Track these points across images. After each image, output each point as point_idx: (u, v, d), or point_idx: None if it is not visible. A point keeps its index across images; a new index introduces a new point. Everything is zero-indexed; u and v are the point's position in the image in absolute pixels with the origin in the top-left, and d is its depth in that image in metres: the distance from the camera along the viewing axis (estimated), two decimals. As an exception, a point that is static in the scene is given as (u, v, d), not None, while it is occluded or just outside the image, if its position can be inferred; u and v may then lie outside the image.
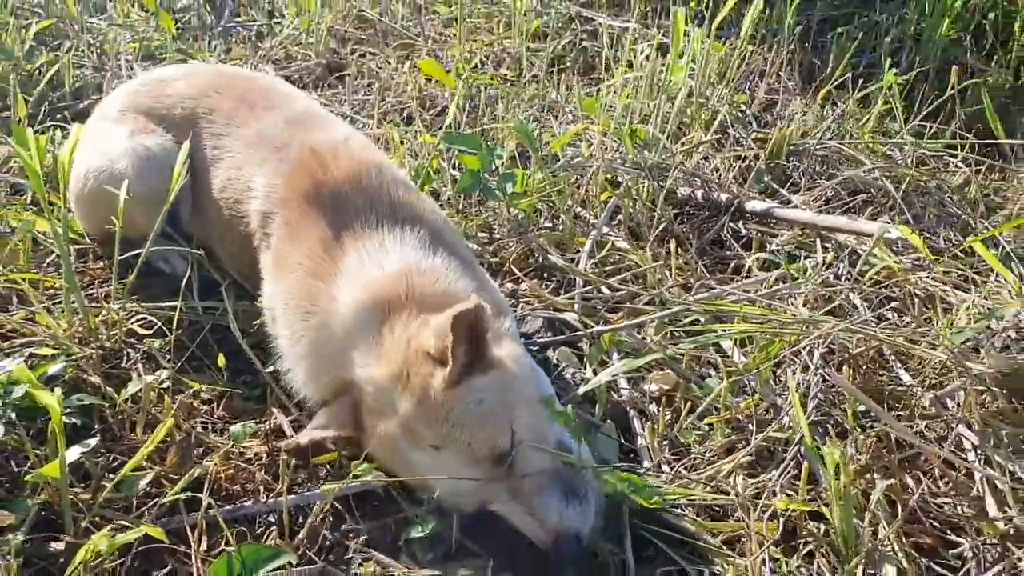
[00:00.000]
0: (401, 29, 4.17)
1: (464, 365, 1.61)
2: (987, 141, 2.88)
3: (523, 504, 1.61)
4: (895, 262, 2.33)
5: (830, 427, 1.92)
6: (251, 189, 2.09)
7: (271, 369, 1.95)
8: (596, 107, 2.88)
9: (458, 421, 1.59)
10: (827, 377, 1.92)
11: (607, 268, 2.51)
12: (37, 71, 3.32)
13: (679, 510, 1.79)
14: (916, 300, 2.29)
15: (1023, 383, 1.85)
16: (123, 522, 1.59)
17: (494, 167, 2.60)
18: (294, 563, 1.54)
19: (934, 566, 1.67)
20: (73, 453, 1.62)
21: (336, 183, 1.99)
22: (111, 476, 1.70)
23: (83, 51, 3.63)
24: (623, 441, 2.00)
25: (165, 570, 1.57)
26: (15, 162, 2.70)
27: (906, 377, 2.04)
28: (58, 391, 1.58)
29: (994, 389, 1.84)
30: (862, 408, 1.95)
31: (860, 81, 3.19)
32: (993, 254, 2.17)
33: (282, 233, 1.99)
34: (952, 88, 2.95)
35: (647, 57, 3.23)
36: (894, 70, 2.97)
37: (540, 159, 2.67)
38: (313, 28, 4.00)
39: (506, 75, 3.76)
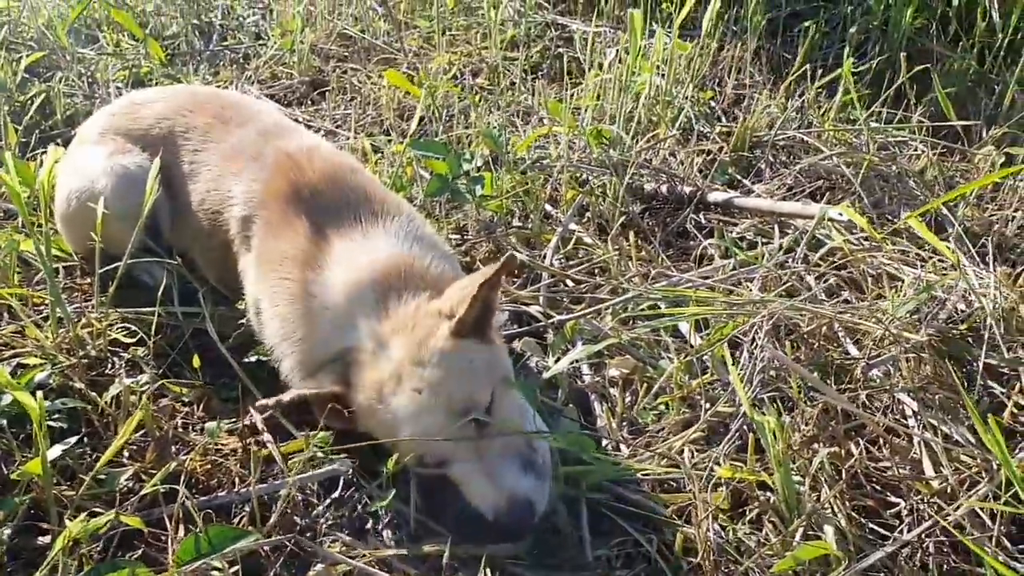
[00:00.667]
0: (383, 45, 4.29)
1: (475, 319, 1.74)
2: (941, 124, 2.97)
3: (483, 465, 1.70)
4: (846, 242, 2.41)
5: (779, 401, 2.00)
6: (230, 197, 2.21)
7: (249, 359, 2.06)
8: (562, 110, 2.98)
9: (447, 368, 1.72)
10: (776, 360, 2.00)
11: (572, 262, 2.60)
12: (29, 101, 3.46)
13: (634, 485, 1.88)
14: (869, 279, 2.37)
15: (958, 351, 1.93)
16: (99, 509, 1.69)
17: (464, 171, 2.70)
18: (260, 541, 1.64)
19: (873, 526, 1.75)
20: (55, 451, 1.73)
21: (312, 182, 2.11)
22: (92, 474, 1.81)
23: (74, 81, 3.77)
24: (584, 423, 2.09)
25: (139, 552, 1.67)
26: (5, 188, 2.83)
27: (854, 351, 2.12)
28: (40, 394, 1.70)
29: (924, 355, 1.91)
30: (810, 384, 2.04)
31: (820, 72, 3.28)
32: (941, 235, 2.25)
33: (263, 233, 2.10)
34: (904, 76, 3.03)
35: (617, 59, 3.32)
36: (852, 60, 3.06)
37: (507, 162, 2.77)
38: (296, 48, 4.12)
39: (483, 84, 3.87)
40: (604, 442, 2.01)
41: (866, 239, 2.55)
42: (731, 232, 2.71)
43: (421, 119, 3.54)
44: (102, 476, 1.82)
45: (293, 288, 1.98)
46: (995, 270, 2.22)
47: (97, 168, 2.36)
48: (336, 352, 1.87)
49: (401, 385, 1.73)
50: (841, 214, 2.40)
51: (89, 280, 2.51)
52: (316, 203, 2.08)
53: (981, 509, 1.67)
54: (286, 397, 1.80)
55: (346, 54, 4.30)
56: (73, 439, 1.80)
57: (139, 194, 2.23)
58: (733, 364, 1.91)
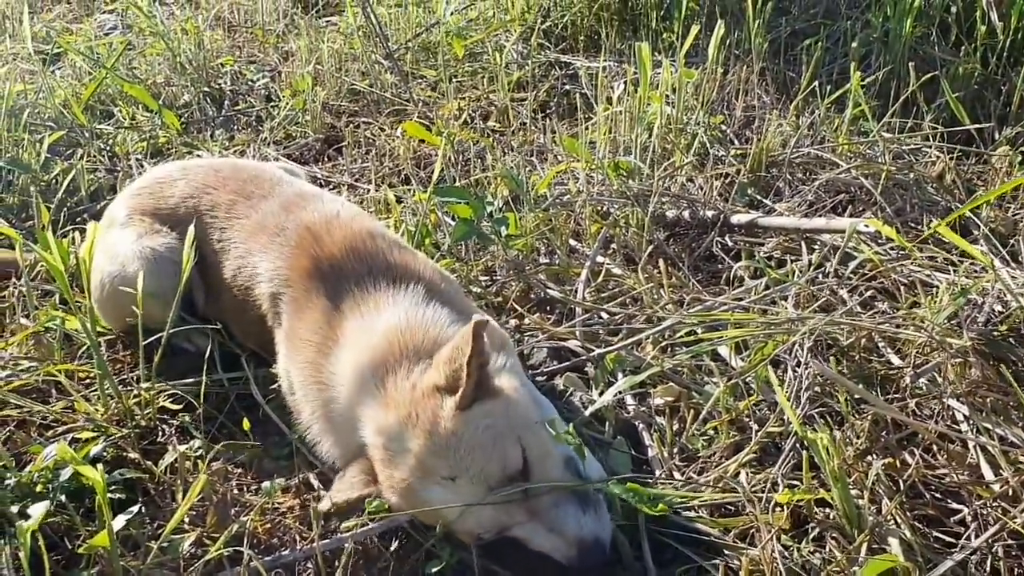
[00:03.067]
0: (392, 97, 4.36)
1: (475, 385, 1.70)
2: (953, 129, 2.99)
3: (542, 522, 1.71)
4: (875, 254, 2.43)
5: (828, 417, 2.01)
6: (258, 274, 2.24)
7: (296, 436, 2.08)
8: (578, 146, 3.02)
9: (469, 447, 1.68)
10: (821, 374, 2.01)
11: (604, 295, 2.62)
12: (54, 180, 3.53)
13: (692, 512, 1.88)
14: (901, 288, 2.39)
15: (1002, 351, 1.94)
16: (170, 572, 1.71)
17: (487, 214, 2.74)
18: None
19: (938, 534, 1.75)
20: (119, 522, 1.75)
21: (333, 255, 2.13)
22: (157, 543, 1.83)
23: (95, 156, 3.84)
24: (635, 454, 2.10)
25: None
26: (41, 266, 2.88)
27: (896, 360, 2.13)
28: (100, 467, 1.72)
29: (971, 359, 1.92)
30: (858, 396, 2.04)
31: (829, 88, 3.32)
32: (967, 238, 2.27)
33: (290, 310, 2.12)
34: (914, 84, 3.06)
35: (624, 92, 3.37)
36: (859, 73, 3.09)
37: (529, 200, 2.81)
38: (308, 106, 4.20)
39: (494, 127, 3.93)
40: (658, 472, 2.02)
41: (894, 248, 2.56)
42: (758, 252, 2.73)
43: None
44: (164, 544, 1.83)
45: (313, 374, 1.99)
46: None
47: (128, 252, 2.40)
48: (356, 448, 1.86)
49: (431, 477, 1.70)
50: (868, 226, 2.42)
51: (130, 352, 2.54)
52: (335, 276, 2.08)
53: (1046, 509, 1.67)
54: (322, 507, 1.79)
55: (356, 109, 4.37)
56: (135, 508, 1.82)
57: (170, 275, 2.29)
58: (777, 383, 1.92)
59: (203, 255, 2.37)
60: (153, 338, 2.21)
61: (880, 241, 2.62)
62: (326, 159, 3.97)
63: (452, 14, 5.00)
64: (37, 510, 1.63)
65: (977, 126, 2.98)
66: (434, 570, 1.77)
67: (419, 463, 1.71)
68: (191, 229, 2.19)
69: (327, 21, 5.56)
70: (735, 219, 2.85)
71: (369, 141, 3.98)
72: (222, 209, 2.40)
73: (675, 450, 2.07)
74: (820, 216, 2.79)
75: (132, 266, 2.35)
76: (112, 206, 2.65)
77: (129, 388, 2.31)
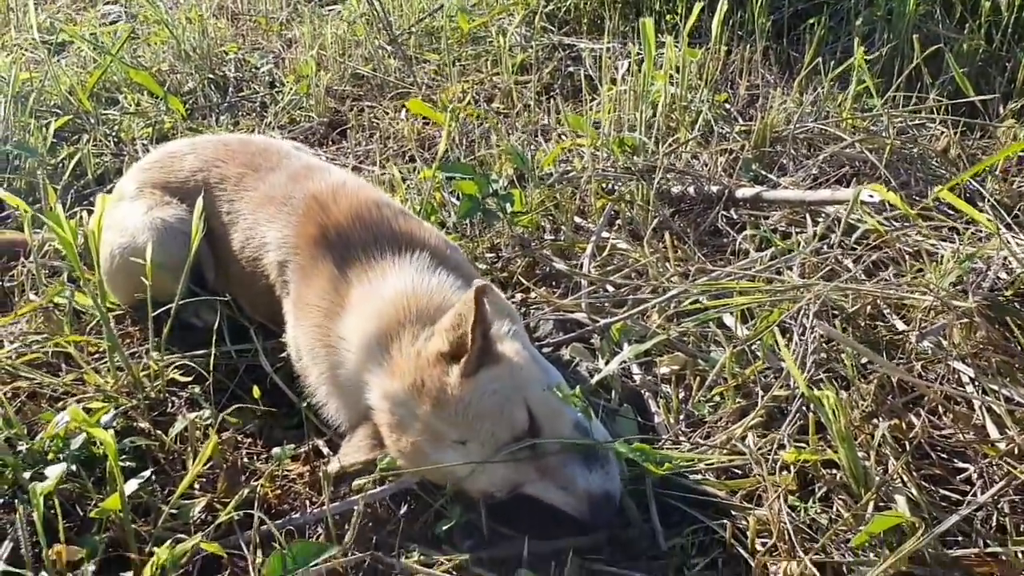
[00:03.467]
0: (395, 81, 4.37)
1: (479, 351, 1.71)
2: (958, 101, 2.99)
3: (553, 480, 1.72)
4: (879, 223, 2.44)
5: (834, 381, 2.02)
6: (266, 244, 2.25)
7: (305, 403, 2.09)
8: (582, 122, 3.03)
9: (477, 411, 1.70)
10: (822, 333, 2.02)
11: (609, 269, 2.63)
12: (60, 164, 3.55)
13: (699, 476, 1.89)
14: (906, 257, 2.39)
15: (1006, 315, 1.94)
16: (182, 535, 1.72)
17: (492, 191, 2.75)
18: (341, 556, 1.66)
19: (945, 492, 1.76)
20: (131, 486, 1.76)
21: (339, 223, 2.14)
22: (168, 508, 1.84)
23: (101, 141, 3.86)
24: (641, 421, 2.11)
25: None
26: (49, 246, 2.89)
27: (901, 326, 2.13)
28: (111, 432, 1.74)
29: (976, 321, 1.92)
30: (865, 361, 2.05)
31: (832, 64, 3.32)
32: (978, 208, 2.27)
33: (297, 278, 2.14)
34: (919, 57, 3.07)
35: (628, 72, 3.38)
36: (862, 48, 3.10)
37: (534, 178, 2.81)
38: (312, 91, 4.21)
39: (498, 108, 3.93)
40: (664, 437, 2.03)
41: (898, 219, 2.57)
42: (763, 225, 2.73)
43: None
44: (175, 511, 1.85)
45: (321, 338, 2.01)
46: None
47: (137, 223, 2.42)
48: (363, 411, 1.88)
49: (443, 441, 1.72)
50: (872, 195, 2.42)
51: (139, 328, 2.56)
52: (342, 244, 2.10)
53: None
54: (331, 469, 1.82)
55: (360, 93, 4.39)
56: (147, 472, 1.83)
57: (180, 245, 2.29)
58: (784, 347, 1.92)
59: (212, 228, 2.39)
60: (162, 309, 2.22)
61: (885, 213, 2.63)
62: (330, 142, 3.98)
63: (454, -1, 5.01)
64: (53, 471, 1.65)
65: (982, 98, 2.98)
66: (444, 528, 1.78)
67: (427, 429, 1.72)
68: (200, 200, 2.20)
69: (330, 9, 5.58)
70: (740, 193, 2.86)
71: (373, 124, 3.99)
72: (231, 182, 2.41)
73: (681, 417, 2.08)
74: (825, 188, 2.80)
75: (142, 237, 2.36)
76: (122, 181, 2.67)
77: (139, 360, 2.32)
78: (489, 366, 1.75)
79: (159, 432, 2.05)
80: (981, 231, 2.40)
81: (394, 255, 2.03)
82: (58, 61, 4.84)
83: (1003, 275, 2.25)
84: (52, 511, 1.66)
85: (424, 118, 3.84)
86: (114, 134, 3.98)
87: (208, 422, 2.09)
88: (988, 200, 2.59)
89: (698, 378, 2.15)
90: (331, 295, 2.01)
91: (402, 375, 1.77)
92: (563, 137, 3.37)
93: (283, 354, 2.18)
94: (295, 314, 2.11)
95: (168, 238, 2.36)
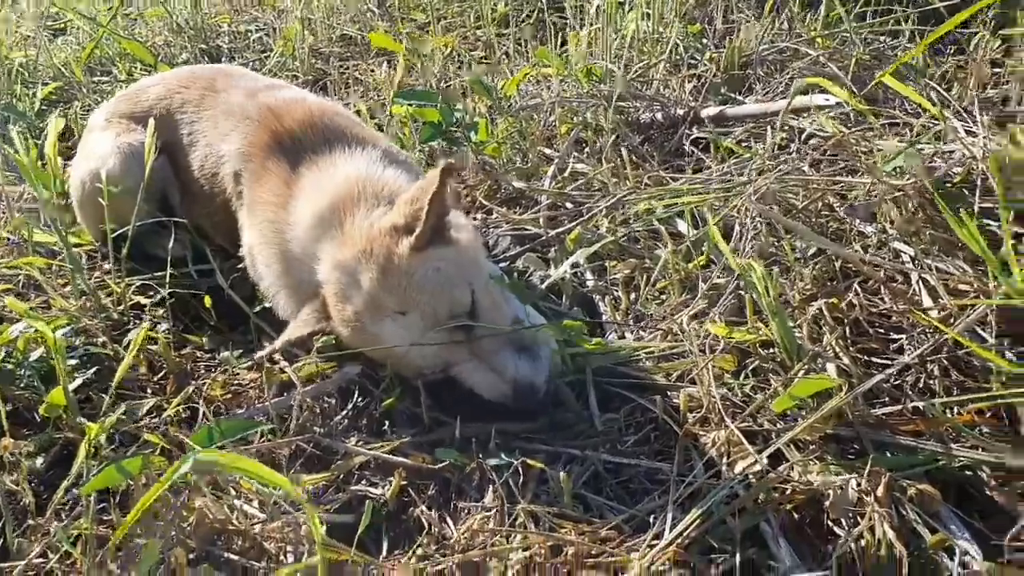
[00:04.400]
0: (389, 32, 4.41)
1: (431, 228, 1.75)
2: (921, 9, 2.96)
3: (483, 361, 1.76)
4: (836, 128, 2.42)
5: (775, 268, 2.01)
6: (222, 156, 2.30)
7: (258, 309, 2.13)
8: (548, 54, 3.04)
9: (420, 285, 1.74)
10: (764, 217, 2.01)
11: (569, 188, 2.64)
12: (47, 125, 3.63)
13: (640, 364, 1.90)
14: (862, 156, 2.37)
15: (953, 199, 1.93)
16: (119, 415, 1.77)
17: (456, 120, 2.77)
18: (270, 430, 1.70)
19: (879, 361, 1.75)
20: (77, 382, 1.82)
21: (292, 129, 2.18)
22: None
23: (91, 106, 3.94)
24: (590, 321, 2.12)
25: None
26: (28, 195, 2.97)
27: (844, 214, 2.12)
28: (60, 334, 1.79)
29: (908, 198, 1.91)
30: (811, 250, 2.04)
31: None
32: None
33: (250, 183, 2.18)
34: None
35: (602, 9, 3.38)
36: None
37: (499, 107, 2.83)
38: (297, 52, 4.26)
39: (480, 57, 3.95)
40: (610, 334, 2.04)
41: (859, 124, 2.55)
42: (725, 140, 2.72)
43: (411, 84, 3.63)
44: (123, 416, 1.89)
45: (271, 229, 2.05)
46: (982, 117, 2.20)
47: (106, 149, 2.47)
48: (312, 287, 1.92)
49: (381, 311, 1.76)
50: (828, 99, 2.41)
51: (109, 266, 2.62)
52: (294, 148, 2.14)
53: (980, 325, 1.66)
54: (277, 344, 1.85)
55: (347, 54, 4.43)
56: (93, 370, 1.88)
57: (145, 168, 2.34)
58: (720, 238, 1.93)
59: (175, 153, 2.44)
60: (124, 229, 2.26)
61: (849, 125, 2.62)
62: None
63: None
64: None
65: (949, 3, 2.92)
66: (385, 404, 1.82)
67: (371, 297, 1.76)
68: (151, 121, 2.25)
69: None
70: (704, 113, 2.85)
71: (357, 80, 4.03)
72: (191, 104, 2.47)
73: (629, 316, 2.09)
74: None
75: (110, 162, 2.42)
76: (92, 116, 2.73)
77: (106, 287, 2.38)
78: (439, 246, 1.79)
79: (116, 347, 2.10)
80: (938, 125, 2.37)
81: (344, 149, 2.08)
82: (55, 41, 4.95)
83: (957, 169, 2.22)
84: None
85: (409, 71, 3.88)
86: (104, 100, 4.06)
87: (166, 338, 2.13)
88: (954, 107, 2.56)
89: (645, 275, 2.15)
90: (282, 189, 2.06)
91: (352, 244, 1.82)
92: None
93: (240, 266, 2.22)
94: (248, 217, 2.15)
95: (133, 161, 2.40)
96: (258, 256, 2.10)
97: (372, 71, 4.10)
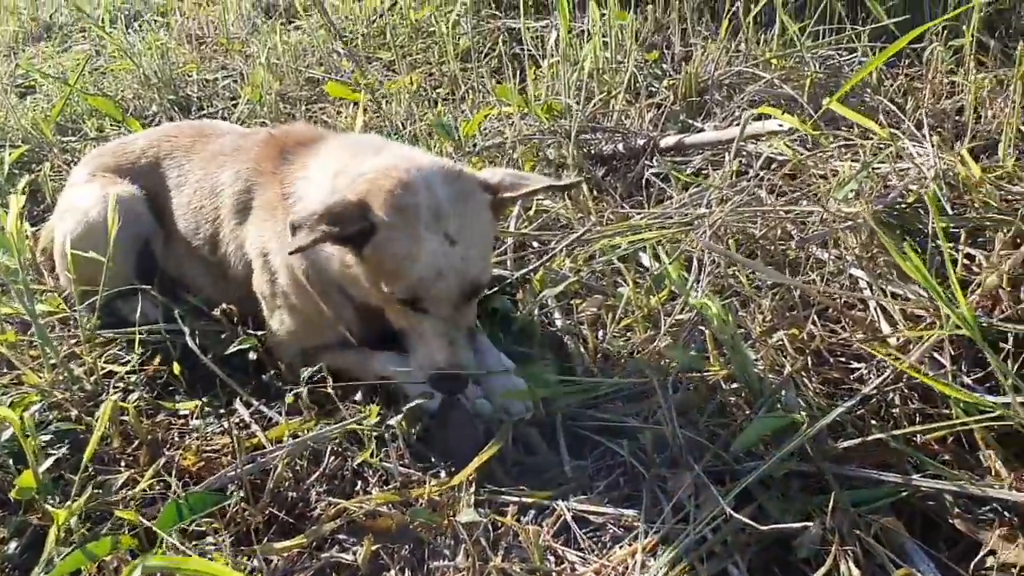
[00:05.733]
0: (348, 81, 4.43)
1: (511, 202, 1.99)
2: (874, 26, 3.00)
3: (449, 330, 1.85)
4: (793, 152, 2.45)
5: (736, 302, 2.03)
6: (220, 183, 2.35)
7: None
8: (508, 91, 3.07)
9: (482, 238, 1.88)
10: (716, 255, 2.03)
11: (534, 227, 2.66)
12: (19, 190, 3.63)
13: (607, 404, 1.92)
14: (818, 180, 2.40)
15: (906, 222, 1.95)
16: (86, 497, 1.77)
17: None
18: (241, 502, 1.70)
19: (838, 391, 1.77)
20: (47, 463, 1.82)
21: (296, 137, 2.28)
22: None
23: (61, 167, 3.95)
24: (561, 364, 2.13)
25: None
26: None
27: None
28: (29, 414, 1.79)
29: (866, 225, 1.93)
30: (770, 283, 2.07)
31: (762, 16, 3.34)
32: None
33: (259, 192, 2.24)
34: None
35: (564, 43, 3.41)
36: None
37: (462, 147, 2.86)
38: (264, 99, 4.28)
39: (445, 95, 3.98)
40: (580, 374, 2.05)
41: (814, 147, 2.58)
42: (685, 170, 2.75)
43: (388, 135, 3.65)
44: (98, 491, 1.89)
45: (281, 207, 2.12)
46: (931, 138, 2.23)
47: (90, 201, 2.49)
48: (357, 174, 1.92)
49: (439, 225, 1.78)
50: (782, 125, 2.44)
51: (86, 328, 2.62)
52: (299, 150, 2.22)
53: (937, 350, 1.68)
54: (320, 209, 1.82)
55: (314, 96, 4.46)
56: (66, 446, 1.88)
57: (128, 220, 2.36)
58: (679, 271, 1.95)
59: (163, 202, 2.49)
60: (109, 293, 2.28)
61: (808, 147, 2.65)
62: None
63: (406, -4, 5.09)
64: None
65: (896, 20, 2.95)
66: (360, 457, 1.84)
67: (438, 207, 1.81)
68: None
69: (291, 23, 5.67)
70: (663, 143, 2.88)
71: (324, 122, 4.05)
72: (182, 149, 2.52)
73: (598, 356, 2.10)
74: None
75: (93, 212, 2.43)
76: (73, 172, 2.76)
77: (80, 359, 2.38)
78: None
79: (88, 418, 2.10)
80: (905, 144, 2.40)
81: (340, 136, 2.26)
82: (24, 101, 4.97)
83: (914, 187, 2.25)
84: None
85: (375, 111, 3.91)
86: (74, 161, 4.07)
87: (137, 407, 2.14)
88: (907, 125, 2.59)
89: (611, 313, 2.17)
90: (290, 180, 2.15)
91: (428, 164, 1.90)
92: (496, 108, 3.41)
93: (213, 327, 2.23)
94: (260, 223, 2.20)
95: (120, 210, 2.33)
96: (275, 256, 2.15)
97: (339, 113, 4.13)
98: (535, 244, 2.56)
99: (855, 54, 3.14)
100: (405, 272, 1.79)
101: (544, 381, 1.84)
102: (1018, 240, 1.90)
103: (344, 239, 1.81)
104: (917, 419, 1.66)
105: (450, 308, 1.82)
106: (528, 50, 4.07)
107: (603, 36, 3.40)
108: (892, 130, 2.32)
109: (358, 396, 2.07)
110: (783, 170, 2.52)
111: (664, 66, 3.58)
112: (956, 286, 1.52)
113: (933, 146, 2.18)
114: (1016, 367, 1.62)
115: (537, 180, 1.89)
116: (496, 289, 2.40)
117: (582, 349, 2.12)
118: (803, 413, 1.66)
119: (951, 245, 1.98)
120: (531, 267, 2.33)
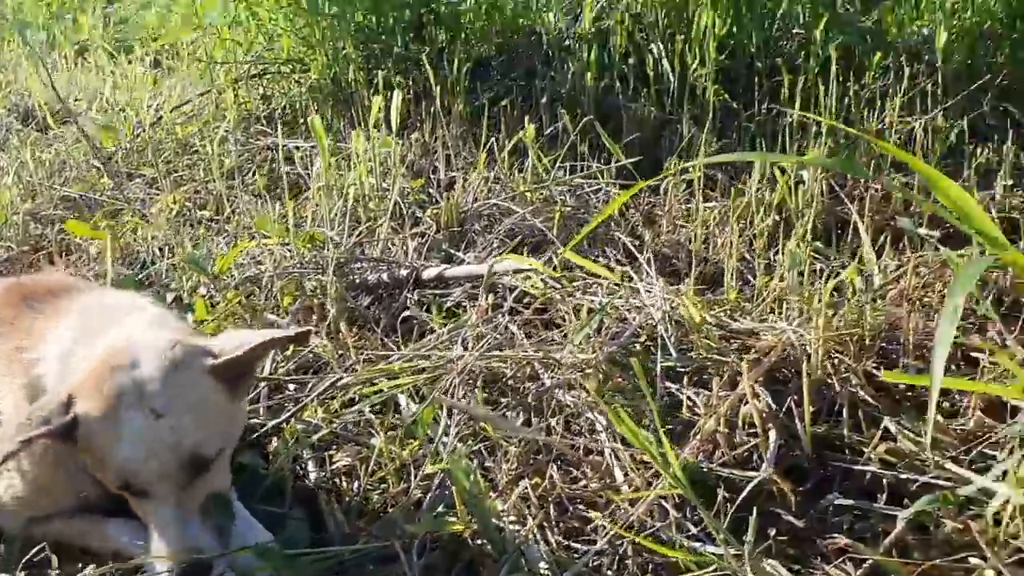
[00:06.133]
0: (108, 200, 4.22)
1: (236, 365, 1.79)
2: (617, 164, 3.24)
3: (181, 512, 1.71)
4: (545, 288, 2.56)
5: (484, 451, 2.07)
6: None
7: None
8: (267, 222, 3.03)
9: (194, 404, 1.74)
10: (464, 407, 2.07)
11: (295, 369, 2.60)
12: None
13: (357, 569, 1.87)
14: (569, 317, 2.51)
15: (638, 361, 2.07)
16: None
17: (172, 300, 2.68)
18: None
19: (575, 545, 1.82)
20: None
21: (45, 292, 2.13)
22: None
23: None
24: (314, 521, 2.07)
25: None
26: None
27: (549, 383, 2.23)
28: None
29: (602, 370, 2.04)
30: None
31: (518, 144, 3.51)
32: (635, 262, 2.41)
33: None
34: (574, 131, 3.31)
35: (323, 167, 3.43)
36: (532, 126, 3.31)
37: (215, 281, 2.77)
38: (10, 220, 3.99)
39: (209, 215, 3.88)
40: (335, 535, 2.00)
41: (564, 280, 2.71)
42: (446, 303, 2.81)
43: (143, 264, 3.49)
44: None
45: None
46: (658, 280, 2.41)
47: None
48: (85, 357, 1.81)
49: (143, 402, 1.67)
50: (532, 267, 2.54)
51: None
52: (48, 300, 2.08)
53: (662, 501, 1.78)
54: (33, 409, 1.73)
55: (71, 215, 4.20)
56: None
57: None
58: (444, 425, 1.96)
59: None
60: None
61: (557, 277, 2.78)
62: (34, 270, 3.78)
63: (171, 111, 4.97)
64: None
65: (634, 160, 3.21)
66: None
67: (139, 384, 1.70)
68: None
69: (49, 132, 5.36)
70: (425, 274, 2.93)
71: (79, 247, 3.82)
72: None
73: (351, 510, 2.06)
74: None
75: None
76: None
77: None
78: (229, 389, 1.81)
79: None
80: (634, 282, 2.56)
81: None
82: None
83: (652, 321, 2.40)
84: None
85: (132, 236, 3.74)
86: None
87: None
88: (645, 255, 2.77)
89: (365, 465, 2.14)
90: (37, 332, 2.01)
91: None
92: (255, 238, 3.36)
93: None
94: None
95: None
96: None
97: (92, 241, 3.91)
98: (291, 388, 2.51)
99: (602, 187, 3.36)
100: (111, 457, 1.68)
101: (289, 560, 1.77)
102: (736, 379, 2.06)
103: (53, 436, 1.70)
104: (649, 569, 1.73)
105: (173, 487, 1.69)
106: (297, 171, 4.07)
107: (369, 161, 3.46)
108: (624, 268, 2.48)
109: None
110: (536, 303, 2.62)
111: (431, 191, 3.67)
112: (667, 443, 1.62)
113: (659, 287, 2.35)
114: (734, 510, 1.73)
115: (260, 336, 1.82)
116: (247, 441, 2.31)
117: (335, 504, 2.07)
118: (545, 569, 1.70)
119: (676, 387, 2.13)
120: (283, 418, 2.27)
